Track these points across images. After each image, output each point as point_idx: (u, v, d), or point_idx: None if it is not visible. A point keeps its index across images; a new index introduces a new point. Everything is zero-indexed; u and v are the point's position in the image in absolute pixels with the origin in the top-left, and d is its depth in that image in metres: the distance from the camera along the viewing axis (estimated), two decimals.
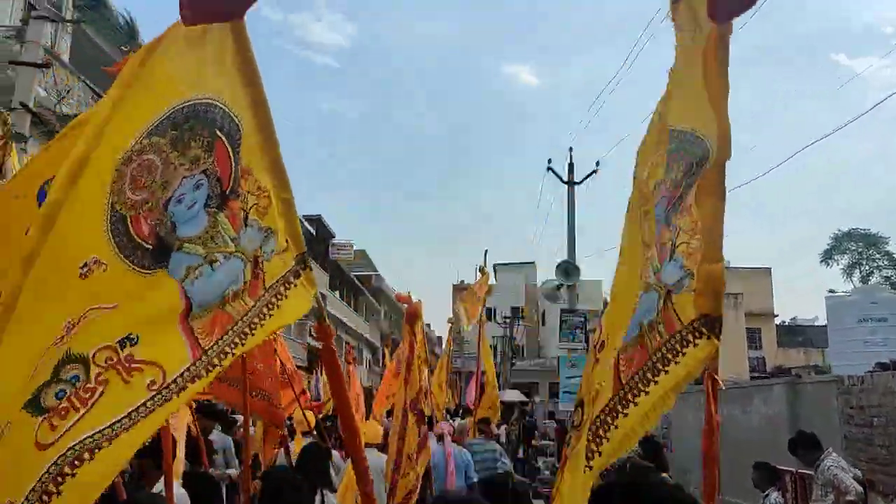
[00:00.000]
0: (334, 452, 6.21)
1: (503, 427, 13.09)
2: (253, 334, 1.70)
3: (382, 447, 6.30)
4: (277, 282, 1.73)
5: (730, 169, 1.59)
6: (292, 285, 1.72)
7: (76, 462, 1.44)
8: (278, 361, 5.56)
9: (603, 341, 2.03)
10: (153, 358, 1.59)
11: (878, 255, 47.86)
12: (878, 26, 78.00)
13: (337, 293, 34.80)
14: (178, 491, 3.41)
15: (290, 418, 6.84)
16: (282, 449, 5.80)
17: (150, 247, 1.71)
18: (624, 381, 1.75)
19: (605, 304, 2.24)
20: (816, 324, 46.61)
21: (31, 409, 1.45)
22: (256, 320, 1.70)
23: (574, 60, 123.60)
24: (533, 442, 14.46)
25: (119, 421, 1.50)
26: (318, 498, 4.01)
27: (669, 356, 1.67)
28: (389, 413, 10.30)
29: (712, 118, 1.61)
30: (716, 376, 1.72)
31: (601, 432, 1.76)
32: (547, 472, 12.62)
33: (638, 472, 2.30)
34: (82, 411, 1.48)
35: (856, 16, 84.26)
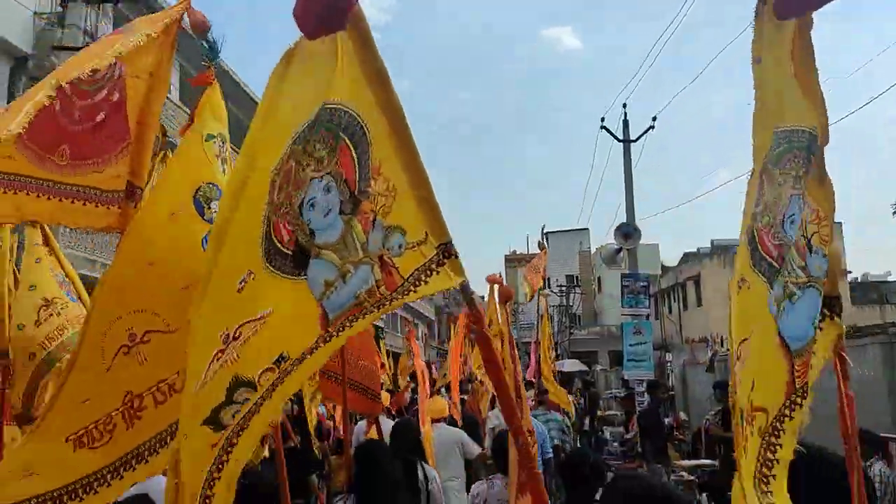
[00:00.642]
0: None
1: (570, 398, 12.63)
2: (381, 309, 1.75)
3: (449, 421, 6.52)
4: (417, 271, 1.74)
5: None
6: (434, 272, 1.72)
7: (230, 448, 1.74)
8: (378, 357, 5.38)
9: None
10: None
11: None
12: None
13: None
14: None
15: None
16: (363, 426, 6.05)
17: (290, 252, 1.84)
18: (798, 386, 1.81)
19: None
20: (890, 279, 44.27)
21: (212, 426, 1.73)
22: (389, 299, 1.76)
23: (619, 21, 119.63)
24: (598, 412, 13.97)
25: (255, 403, 1.77)
26: (419, 470, 4.26)
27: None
28: (446, 388, 10.79)
29: (810, 108, 1.74)
30: (844, 354, 1.82)
31: (773, 439, 1.78)
32: (616, 444, 12.14)
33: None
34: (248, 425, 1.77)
35: None
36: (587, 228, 53.74)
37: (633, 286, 13.13)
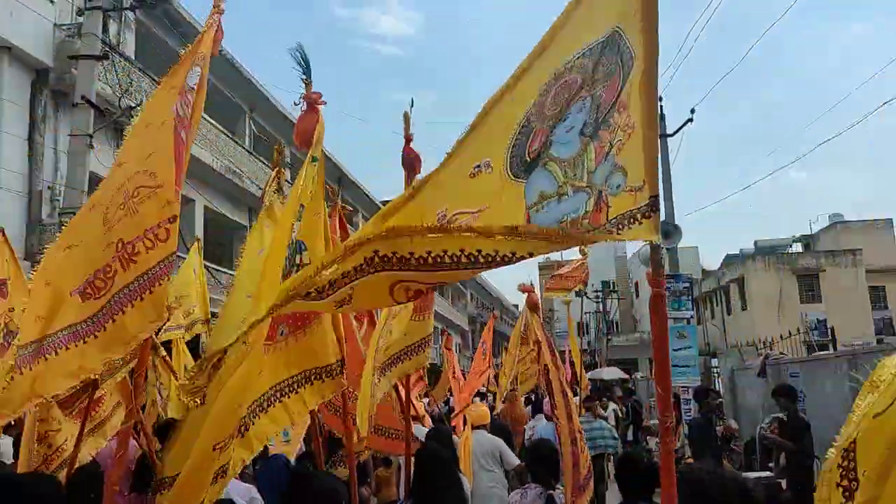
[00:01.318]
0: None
1: (611, 407, 11.99)
2: (568, 241, 1.66)
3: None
4: (623, 215, 1.69)
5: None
6: (637, 223, 1.67)
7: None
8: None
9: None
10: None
11: None
12: None
13: None
14: None
15: None
16: None
17: (529, 159, 1.84)
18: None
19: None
20: None
21: None
22: (588, 231, 1.74)
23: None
24: (643, 422, 13.26)
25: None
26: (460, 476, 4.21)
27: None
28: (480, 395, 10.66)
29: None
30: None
31: None
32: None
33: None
34: None
35: None
36: None
37: (674, 288, 12.47)
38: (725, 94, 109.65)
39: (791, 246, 41.73)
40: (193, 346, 6.45)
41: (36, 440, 3.76)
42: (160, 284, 2.44)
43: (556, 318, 44.53)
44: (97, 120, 8.83)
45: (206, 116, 14.77)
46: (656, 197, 1.68)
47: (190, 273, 6.10)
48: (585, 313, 46.59)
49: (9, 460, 5.11)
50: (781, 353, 11.48)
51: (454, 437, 6.08)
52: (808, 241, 41.46)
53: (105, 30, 10.42)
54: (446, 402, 11.38)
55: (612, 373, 26.10)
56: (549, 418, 6.64)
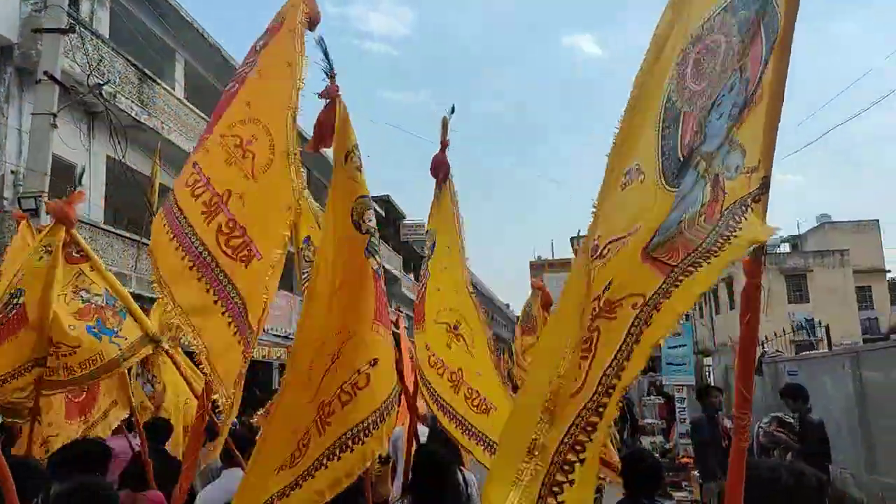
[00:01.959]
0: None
1: None
2: (708, 264, 1.38)
3: None
4: (735, 204, 1.39)
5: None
6: (749, 210, 1.36)
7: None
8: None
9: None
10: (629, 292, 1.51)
11: None
12: None
13: (412, 275, 33.98)
14: None
15: None
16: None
17: (681, 158, 1.56)
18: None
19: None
20: None
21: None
22: (714, 249, 1.38)
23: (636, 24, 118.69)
24: (638, 421, 12.88)
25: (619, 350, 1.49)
26: (459, 475, 4.19)
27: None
28: None
29: None
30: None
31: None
32: (657, 455, 11.12)
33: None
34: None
35: None
36: None
37: None
38: None
39: (779, 246, 41.78)
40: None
41: (39, 444, 3.93)
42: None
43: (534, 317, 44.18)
44: (62, 98, 8.29)
45: (195, 110, 14.23)
46: (768, 177, 1.41)
47: None
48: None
49: None
50: (778, 352, 11.15)
51: None
52: (796, 241, 41.51)
53: (76, 6, 9.85)
54: None
55: None
56: None
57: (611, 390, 1.49)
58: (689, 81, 1.56)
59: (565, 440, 1.52)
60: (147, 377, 5.57)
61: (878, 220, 38.56)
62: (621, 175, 1.63)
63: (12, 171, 9.30)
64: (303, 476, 2.27)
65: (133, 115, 11.86)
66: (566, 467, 1.50)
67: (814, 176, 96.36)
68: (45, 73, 7.78)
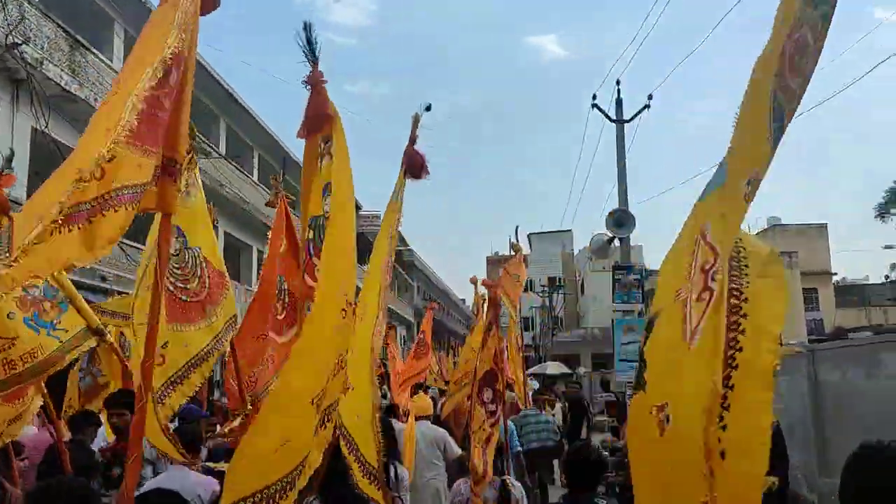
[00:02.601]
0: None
1: (558, 406, 11.25)
2: None
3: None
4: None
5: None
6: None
7: None
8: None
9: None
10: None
11: None
12: None
13: (366, 268, 33.30)
14: None
15: None
16: None
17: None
18: None
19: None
20: (868, 282, 43.86)
21: None
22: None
23: (602, 25, 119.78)
24: (592, 419, 12.63)
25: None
26: (391, 470, 4.23)
27: None
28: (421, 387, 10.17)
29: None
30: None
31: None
32: (605, 453, 10.88)
33: None
34: None
35: None
36: (570, 230, 53.14)
37: (624, 279, 11.88)
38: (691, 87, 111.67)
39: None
40: None
41: None
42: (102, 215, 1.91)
43: (502, 312, 44.18)
44: None
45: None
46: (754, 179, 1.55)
47: None
48: (531, 308, 46.53)
49: None
50: None
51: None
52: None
53: None
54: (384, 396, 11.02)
55: (556, 367, 25.80)
56: None
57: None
58: (789, 77, 1.50)
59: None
60: (91, 370, 5.49)
61: (825, 224, 39.61)
62: (743, 184, 1.56)
63: None
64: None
65: (63, 84, 11.01)
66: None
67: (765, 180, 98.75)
68: None
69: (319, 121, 2.60)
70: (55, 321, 3.70)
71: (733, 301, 1.66)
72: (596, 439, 12.10)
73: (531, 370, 27.84)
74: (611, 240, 12.13)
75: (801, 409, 7.33)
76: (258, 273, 16.66)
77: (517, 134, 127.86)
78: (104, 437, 4.91)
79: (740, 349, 1.63)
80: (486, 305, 4.82)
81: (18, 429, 3.82)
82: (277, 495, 2.17)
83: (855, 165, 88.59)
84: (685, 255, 1.92)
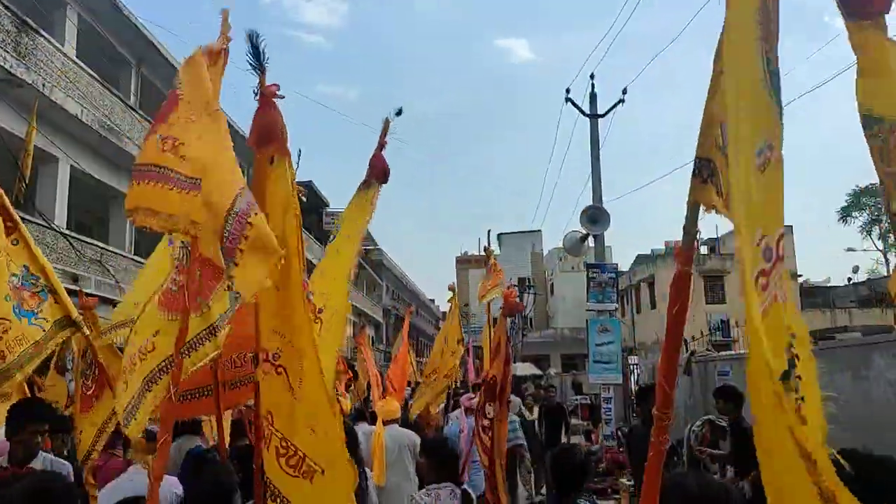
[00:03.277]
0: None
1: (535, 408, 10.88)
2: None
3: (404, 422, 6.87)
4: None
5: None
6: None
7: None
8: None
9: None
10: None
11: None
12: None
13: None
14: None
15: None
16: None
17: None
18: None
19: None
20: (830, 284, 44.71)
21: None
22: None
23: (568, 31, 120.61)
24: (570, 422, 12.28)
25: None
26: (363, 477, 4.34)
27: None
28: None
29: None
30: None
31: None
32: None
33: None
34: None
35: None
36: (540, 230, 53.14)
37: (599, 278, 11.59)
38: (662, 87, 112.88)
39: (699, 248, 42.98)
40: None
41: None
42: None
43: (472, 313, 43.91)
44: None
45: (76, 60, 12.61)
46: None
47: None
48: (500, 308, 46.28)
49: None
50: (708, 350, 10.82)
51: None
52: (714, 243, 42.77)
53: None
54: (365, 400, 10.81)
55: (525, 368, 25.53)
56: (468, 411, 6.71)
57: None
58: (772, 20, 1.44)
59: None
60: (88, 371, 5.04)
61: (791, 226, 40.14)
62: (754, 154, 1.41)
63: None
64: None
65: (7, 67, 10.29)
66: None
67: None
68: None
69: (266, 136, 2.53)
70: (36, 310, 3.68)
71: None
72: (574, 441, 11.80)
73: None
74: (584, 237, 11.82)
75: None
76: None
77: (487, 136, 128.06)
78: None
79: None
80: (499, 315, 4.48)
81: None
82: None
83: (817, 169, 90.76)
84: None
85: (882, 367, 6.14)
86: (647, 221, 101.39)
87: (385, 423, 6.22)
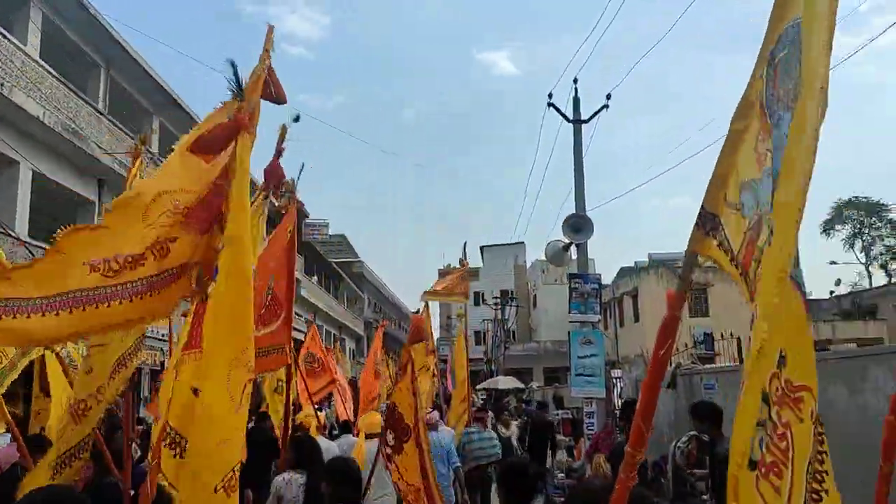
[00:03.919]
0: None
1: (514, 424, 10.40)
2: None
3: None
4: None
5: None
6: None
7: None
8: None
9: None
10: (803, 381, 1.45)
11: (879, 224, 45.84)
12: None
13: (315, 278, 32.11)
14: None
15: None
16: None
17: None
18: None
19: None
20: (814, 297, 44.92)
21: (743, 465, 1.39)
22: None
23: (551, 44, 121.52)
24: (556, 438, 11.83)
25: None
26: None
27: None
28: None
29: None
30: None
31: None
32: (561, 475, 10.13)
33: None
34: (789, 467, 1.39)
35: None
36: (523, 242, 53.00)
37: (581, 288, 11.22)
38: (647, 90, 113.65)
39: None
40: None
41: None
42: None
43: (454, 325, 43.47)
44: None
45: (39, 60, 12.10)
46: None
47: None
48: (482, 321, 45.91)
49: None
50: (693, 363, 10.48)
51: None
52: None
53: None
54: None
55: (508, 382, 25.10)
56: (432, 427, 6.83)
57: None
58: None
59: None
60: None
61: None
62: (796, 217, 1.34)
63: None
64: None
65: None
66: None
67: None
68: None
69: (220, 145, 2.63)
70: None
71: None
72: (550, 460, 11.37)
73: (483, 384, 27.15)
74: (567, 246, 11.46)
75: None
76: None
77: (470, 146, 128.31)
78: None
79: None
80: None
81: None
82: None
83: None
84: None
85: (880, 380, 5.81)
86: (629, 234, 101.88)
87: (368, 436, 6.23)
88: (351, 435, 6.84)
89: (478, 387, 21.71)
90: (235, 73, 2.59)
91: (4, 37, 11.01)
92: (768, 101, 1.48)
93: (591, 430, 10.81)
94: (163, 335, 14.43)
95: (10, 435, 4.42)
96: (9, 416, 4.22)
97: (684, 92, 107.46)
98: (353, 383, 12.99)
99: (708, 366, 12.56)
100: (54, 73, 12.32)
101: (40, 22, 12.74)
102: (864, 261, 46.52)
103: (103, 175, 14.19)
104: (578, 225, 11.02)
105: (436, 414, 7.68)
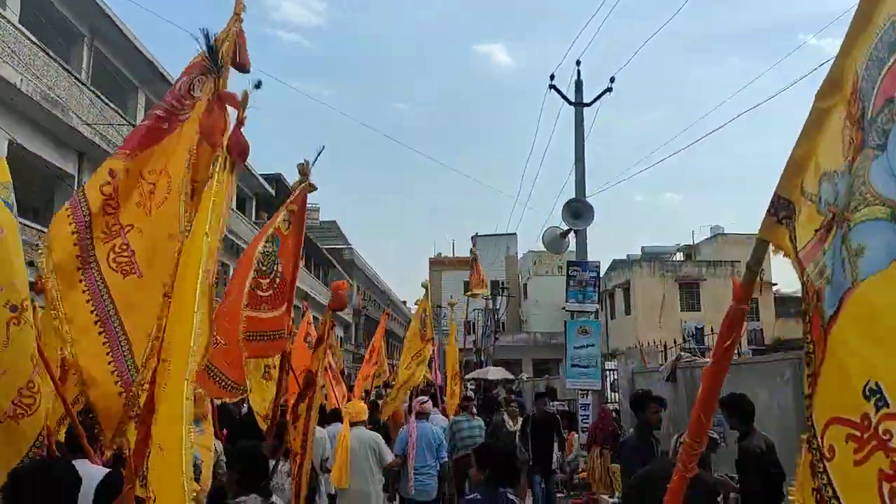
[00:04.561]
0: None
1: (519, 420, 9.93)
2: None
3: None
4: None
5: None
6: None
7: None
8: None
9: None
10: None
11: None
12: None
13: (302, 263, 31.60)
14: None
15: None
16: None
17: None
18: None
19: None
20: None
21: None
22: None
23: (549, 37, 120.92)
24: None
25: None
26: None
27: None
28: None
29: None
30: None
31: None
32: (556, 469, 9.77)
33: None
34: None
35: None
36: (515, 233, 52.56)
37: (580, 276, 10.85)
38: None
39: (675, 255, 42.84)
40: None
41: None
42: None
43: (444, 314, 43.13)
44: None
45: (18, 25, 11.51)
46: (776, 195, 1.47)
47: None
48: (473, 310, 45.53)
49: None
50: (694, 357, 10.12)
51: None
52: (689, 250, 42.62)
53: None
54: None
55: (498, 373, 24.76)
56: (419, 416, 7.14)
57: None
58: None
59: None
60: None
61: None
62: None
63: None
64: None
65: None
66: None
67: (698, 194, 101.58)
68: None
69: (212, 134, 2.59)
70: None
71: None
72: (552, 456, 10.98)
73: (472, 374, 26.81)
74: (566, 233, 11.06)
75: (783, 424, 6.44)
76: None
77: (464, 137, 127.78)
78: None
79: None
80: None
81: None
82: None
83: None
84: None
85: None
86: (621, 227, 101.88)
87: (352, 424, 6.26)
88: (339, 423, 6.70)
89: (467, 377, 21.36)
90: (209, 45, 2.49)
91: None
92: (862, 91, 1.26)
93: (587, 423, 10.45)
94: None
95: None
96: None
97: (684, 86, 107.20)
98: (341, 372, 12.66)
99: (708, 358, 12.23)
100: (34, 38, 11.73)
101: (18, 13, 12.13)
102: None
103: (84, 148, 13.62)
104: (579, 210, 10.63)
105: (429, 403, 7.63)
